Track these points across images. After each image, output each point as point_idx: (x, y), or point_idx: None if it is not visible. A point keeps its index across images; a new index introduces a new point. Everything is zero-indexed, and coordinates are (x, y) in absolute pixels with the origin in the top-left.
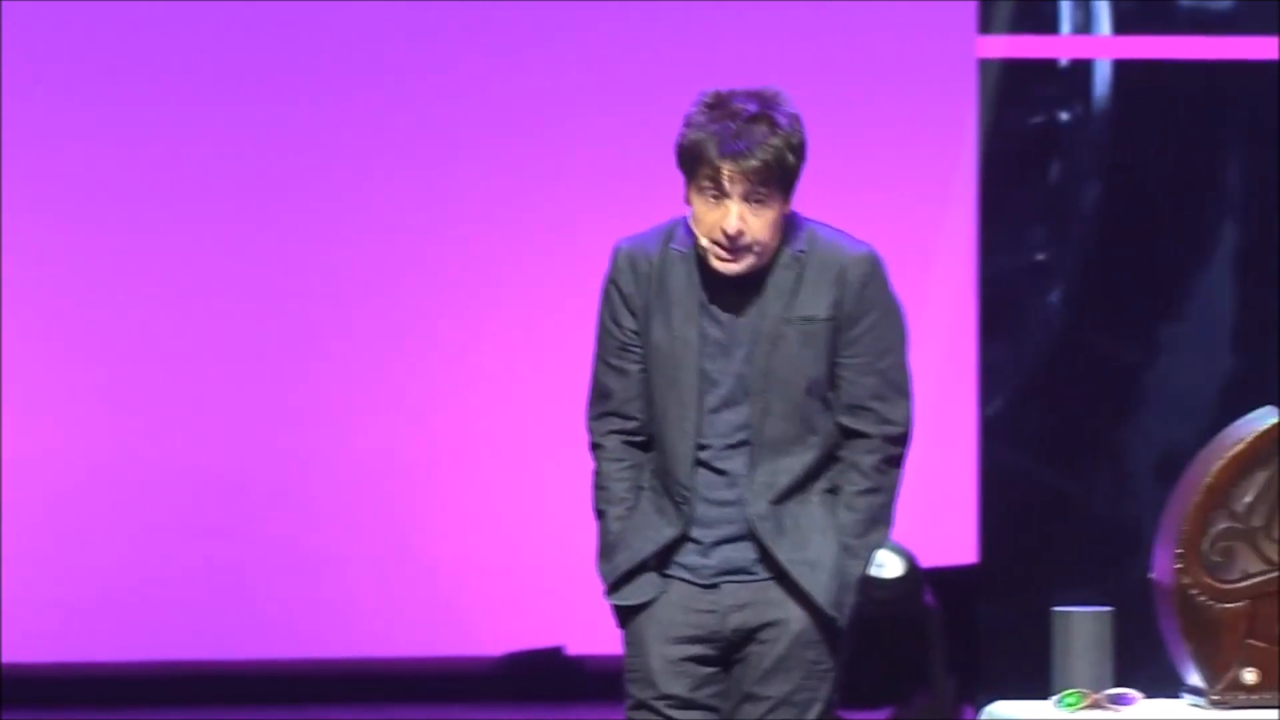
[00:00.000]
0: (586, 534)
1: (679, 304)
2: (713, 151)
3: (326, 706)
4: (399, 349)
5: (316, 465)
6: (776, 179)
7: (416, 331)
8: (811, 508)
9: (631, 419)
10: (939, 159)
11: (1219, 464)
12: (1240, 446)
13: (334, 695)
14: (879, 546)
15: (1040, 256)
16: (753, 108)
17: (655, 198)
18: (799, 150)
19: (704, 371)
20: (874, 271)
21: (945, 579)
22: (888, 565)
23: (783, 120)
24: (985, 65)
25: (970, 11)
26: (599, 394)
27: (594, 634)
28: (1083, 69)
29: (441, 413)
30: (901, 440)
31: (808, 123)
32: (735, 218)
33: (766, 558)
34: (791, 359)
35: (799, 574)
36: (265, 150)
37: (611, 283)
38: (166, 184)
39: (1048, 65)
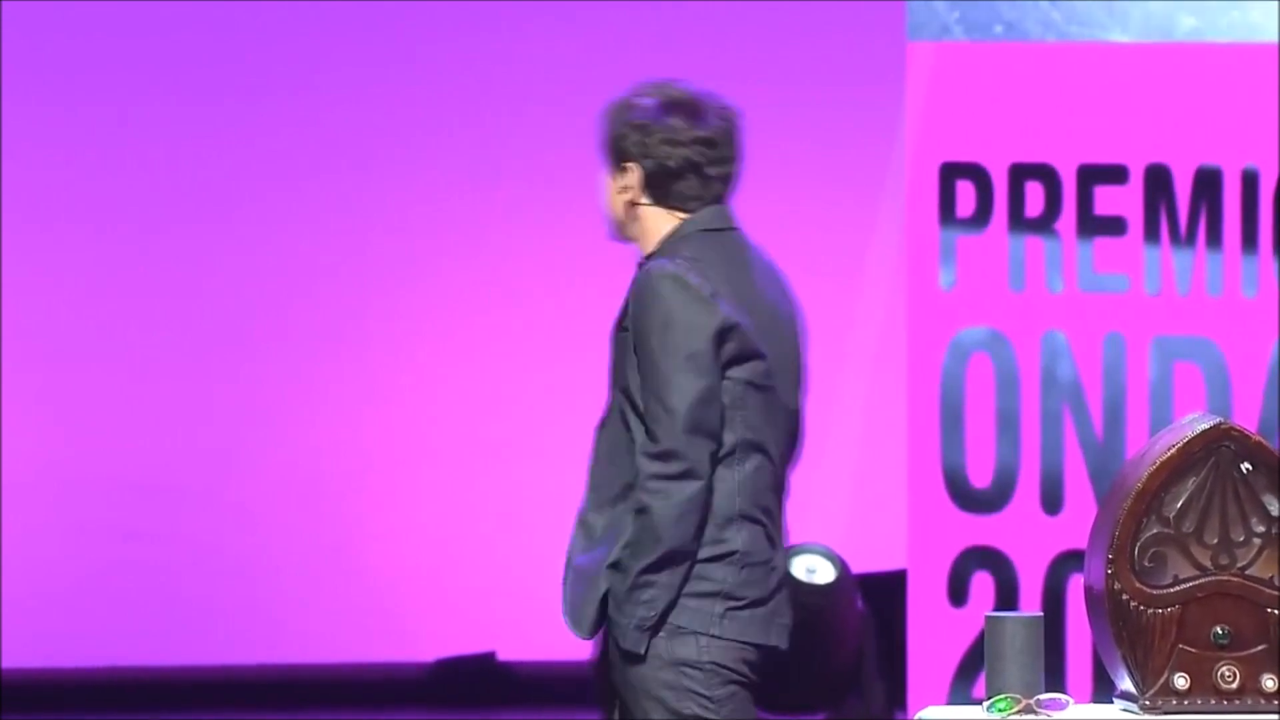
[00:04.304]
0: (519, 540)
1: None
2: None
3: (258, 711)
4: (332, 351)
5: (249, 469)
6: (601, 146)
7: (350, 334)
8: (610, 515)
9: None
10: (870, 164)
11: (1150, 469)
12: (1171, 452)
13: (265, 701)
14: (651, 569)
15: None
16: None
17: (587, 202)
18: (617, 121)
19: None
20: (645, 285)
21: (876, 584)
22: (819, 571)
23: (626, 95)
24: (915, 68)
25: (899, 13)
26: None
27: (526, 640)
28: (1016, 72)
29: (374, 417)
30: (664, 457)
31: (750, 127)
32: None
33: None
34: (614, 367)
35: (565, 580)
36: (193, 152)
37: None
38: (95, 187)
39: (980, 69)
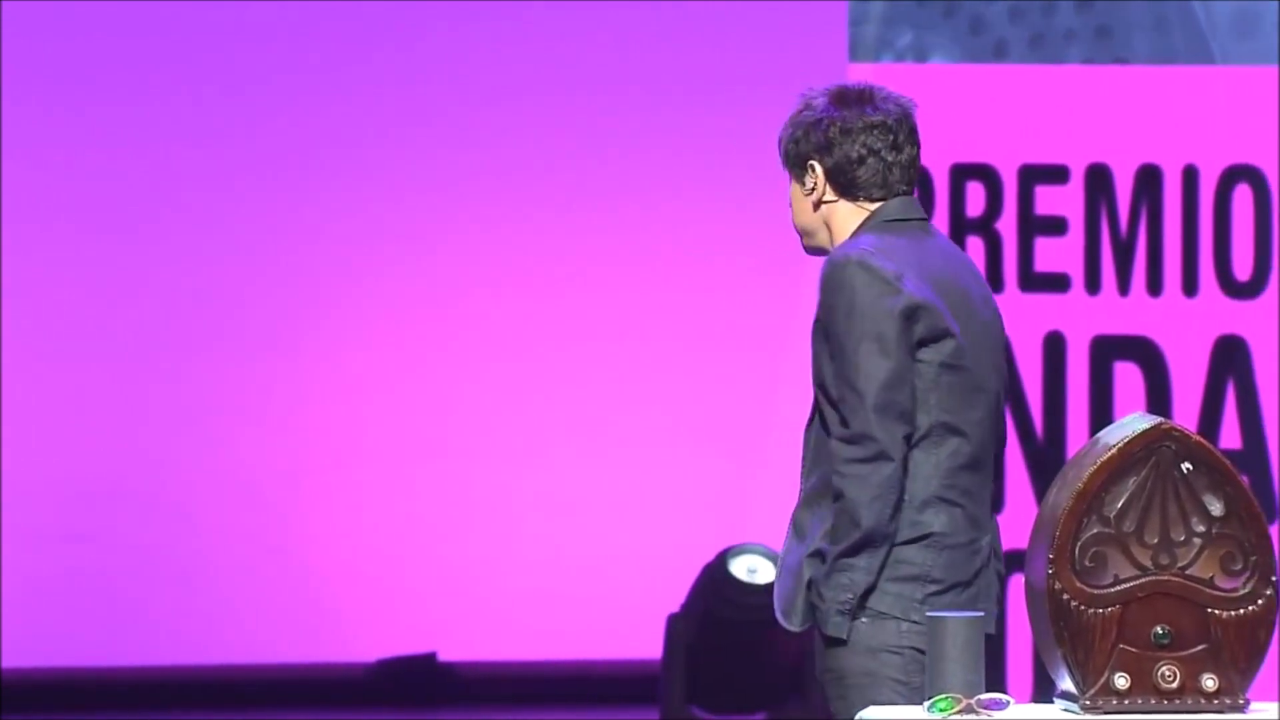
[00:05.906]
0: (460, 541)
1: None
2: None
3: (199, 711)
4: (269, 354)
5: (189, 470)
6: (782, 156)
7: (286, 337)
8: (816, 511)
9: None
10: None
11: (1091, 469)
12: (1112, 452)
13: (206, 701)
14: (848, 553)
15: None
16: None
17: (513, 204)
18: (792, 126)
19: None
20: (830, 274)
21: None
22: (760, 571)
23: (798, 103)
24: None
25: (841, 38)
26: None
27: (467, 640)
28: (957, 84)
29: (313, 418)
30: (856, 441)
31: (686, 146)
32: None
33: None
34: (813, 363)
35: (777, 577)
36: (128, 155)
37: None
38: (39, 189)
39: (921, 83)
